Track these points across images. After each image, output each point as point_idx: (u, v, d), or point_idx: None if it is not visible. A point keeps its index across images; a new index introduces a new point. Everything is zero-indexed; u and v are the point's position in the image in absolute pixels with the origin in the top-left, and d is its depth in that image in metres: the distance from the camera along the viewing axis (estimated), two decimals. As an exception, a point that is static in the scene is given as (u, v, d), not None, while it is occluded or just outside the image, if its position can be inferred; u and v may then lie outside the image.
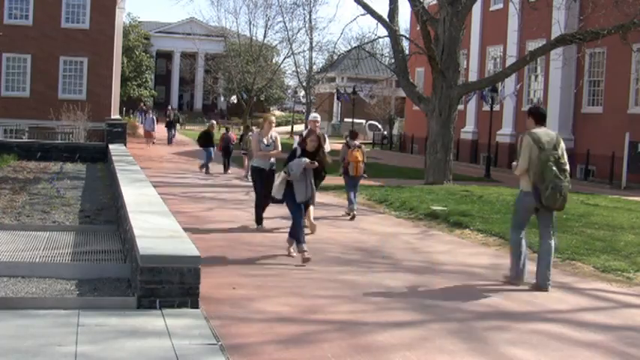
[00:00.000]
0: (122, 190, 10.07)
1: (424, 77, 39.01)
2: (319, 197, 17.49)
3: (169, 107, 61.84)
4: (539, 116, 8.58)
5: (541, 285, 8.27)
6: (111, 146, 20.60)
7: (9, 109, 33.71)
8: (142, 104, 64.06)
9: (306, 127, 36.92)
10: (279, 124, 71.21)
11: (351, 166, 14.03)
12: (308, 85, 39.54)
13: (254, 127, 22.91)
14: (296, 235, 9.35)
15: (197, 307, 6.06)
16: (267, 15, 49.11)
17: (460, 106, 25.16)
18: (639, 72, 26.34)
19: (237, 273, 8.47)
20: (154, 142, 38.45)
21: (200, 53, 67.04)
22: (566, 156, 8.32)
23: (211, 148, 24.22)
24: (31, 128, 32.26)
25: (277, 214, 14.11)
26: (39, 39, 34.46)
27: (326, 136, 13.39)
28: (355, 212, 13.85)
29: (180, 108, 73.87)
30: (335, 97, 51.43)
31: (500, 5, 34.84)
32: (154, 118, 41.17)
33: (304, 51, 49.86)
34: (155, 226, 7.30)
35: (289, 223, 9.84)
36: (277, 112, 78.87)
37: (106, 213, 11.48)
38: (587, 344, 6.28)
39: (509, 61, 27.59)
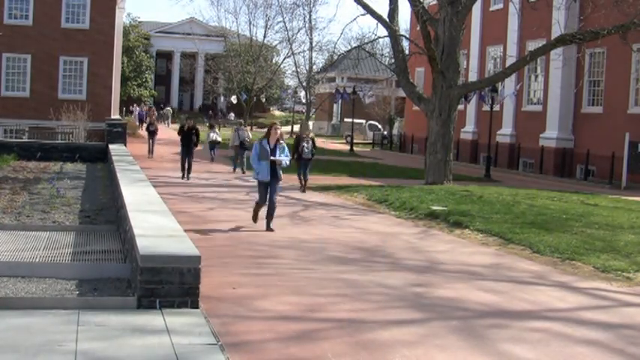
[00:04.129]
0: (122, 190, 10.08)
1: (424, 77, 39.00)
2: (320, 197, 17.51)
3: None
4: None
5: None
6: (111, 146, 20.60)
7: (9, 109, 33.68)
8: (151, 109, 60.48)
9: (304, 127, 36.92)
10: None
11: None
12: (308, 85, 39.61)
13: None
14: None
15: (197, 307, 6.06)
16: (267, 15, 49.18)
17: (460, 106, 25.17)
18: (639, 72, 26.35)
19: (238, 272, 8.47)
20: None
21: (200, 53, 67.08)
22: None
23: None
24: (31, 128, 32.25)
25: (278, 214, 14.11)
26: (39, 39, 34.43)
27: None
28: None
29: (181, 108, 73.85)
30: (335, 97, 51.60)
31: (500, 5, 34.84)
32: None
33: (304, 51, 49.94)
34: (155, 226, 7.31)
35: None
36: (277, 112, 78.85)
37: (106, 213, 11.47)
38: (587, 342, 6.29)
39: (509, 61, 27.60)
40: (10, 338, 5.10)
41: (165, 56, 76.85)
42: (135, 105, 66.17)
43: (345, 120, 58.29)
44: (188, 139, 20.73)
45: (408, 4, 23.09)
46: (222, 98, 72.52)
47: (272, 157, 11.67)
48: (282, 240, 10.98)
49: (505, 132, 33.63)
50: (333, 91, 54.64)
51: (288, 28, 44.42)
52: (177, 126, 35.08)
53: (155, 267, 5.99)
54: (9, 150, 20.81)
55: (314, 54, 42.66)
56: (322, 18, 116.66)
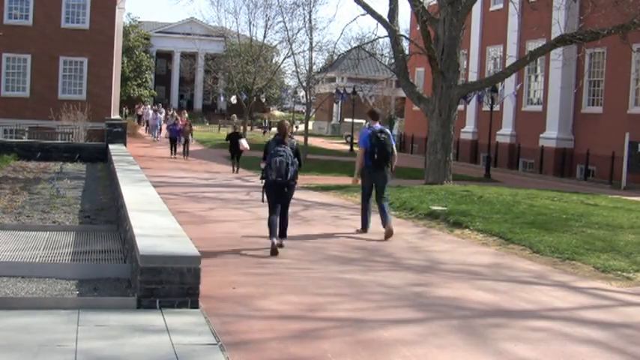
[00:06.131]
0: (122, 190, 10.07)
1: (424, 77, 39.02)
2: (320, 197, 17.51)
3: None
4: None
5: None
6: (111, 146, 20.59)
7: (9, 109, 33.70)
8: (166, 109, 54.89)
9: (305, 127, 36.87)
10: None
11: None
12: (308, 85, 39.65)
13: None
14: None
15: (197, 307, 6.06)
16: (267, 15, 49.04)
17: (460, 106, 25.16)
18: (639, 72, 26.35)
19: (238, 272, 8.47)
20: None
21: (200, 53, 67.05)
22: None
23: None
24: (31, 128, 32.26)
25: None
26: (39, 39, 34.45)
27: None
28: None
29: (182, 108, 73.86)
30: (335, 97, 51.63)
31: (500, 5, 34.85)
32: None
33: (304, 51, 49.88)
34: (155, 226, 7.30)
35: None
36: (277, 112, 78.88)
37: (106, 213, 11.47)
38: (587, 341, 6.29)
39: (509, 61, 27.60)
40: (10, 338, 5.10)
41: (165, 56, 76.87)
42: (155, 106, 58.14)
43: (345, 120, 58.30)
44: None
45: (408, 4, 23.08)
46: (222, 98, 72.51)
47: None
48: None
49: (505, 132, 33.63)
50: (333, 91, 54.64)
51: (288, 28, 44.35)
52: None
53: (155, 267, 5.99)
54: (9, 150, 20.80)
55: (314, 54, 42.63)
56: (322, 18, 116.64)
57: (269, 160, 9.98)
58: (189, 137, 30.50)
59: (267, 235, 9.92)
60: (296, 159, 10.08)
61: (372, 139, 11.58)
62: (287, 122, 10.50)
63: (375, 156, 11.56)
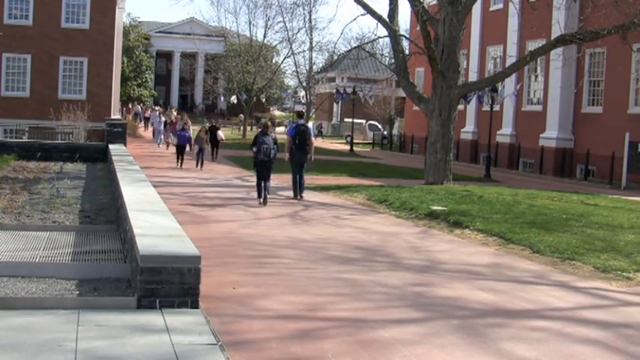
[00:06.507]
0: (122, 190, 10.07)
1: (424, 77, 39.02)
2: (320, 197, 17.52)
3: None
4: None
5: None
6: (111, 146, 20.59)
7: (9, 109, 33.71)
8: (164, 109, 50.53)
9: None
10: (279, 124, 71.49)
11: None
12: (308, 85, 39.86)
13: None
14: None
15: (197, 307, 6.06)
16: (267, 15, 49.16)
17: (460, 106, 25.17)
18: (639, 72, 26.35)
19: (238, 272, 8.47)
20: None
21: (200, 53, 67.14)
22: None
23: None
24: (31, 128, 32.27)
25: (279, 213, 14.11)
26: (39, 39, 34.46)
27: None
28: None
29: (183, 108, 73.84)
30: (335, 97, 51.71)
31: (500, 5, 34.86)
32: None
33: (304, 51, 50.02)
34: (155, 226, 7.30)
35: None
36: (277, 112, 78.92)
37: (106, 213, 11.47)
38: (587, 342, 6.29)
39: (509, 61, 27.61)
40: (10, 338, 5.10)
41: (165, 56, 76.92)
42: (160, 107, 55.41)
43: (345, 120, 58.32)
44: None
45: (408, 4, 23.09)
46: (222, 98, 72.55)
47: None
48: (283, 240, 10.98)
49: (505, 132, 33.64)
50: (333, 91, 54.68)
51: (288, 28, 44.57)
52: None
53: (155, 267, 5.98)
54: (9, 150, 20.79)
55: (314, 54, 42.97)
56: (322, 18, 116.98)
57: (258, 146, 15.22)
58: (204, 145, 25.50)
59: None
60: (275, 145, 15.33)
61: (295, 130, 16.54)
62: (269, 122, 16.86)
63: (296, 141, 16.40)
